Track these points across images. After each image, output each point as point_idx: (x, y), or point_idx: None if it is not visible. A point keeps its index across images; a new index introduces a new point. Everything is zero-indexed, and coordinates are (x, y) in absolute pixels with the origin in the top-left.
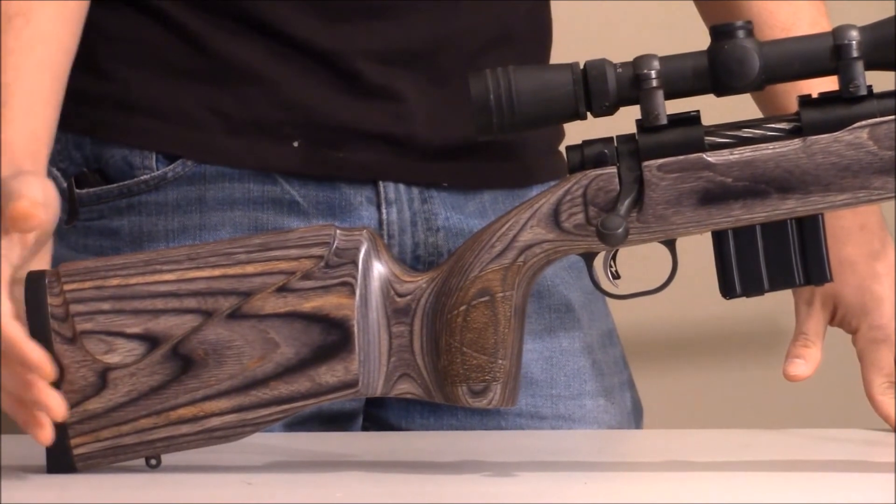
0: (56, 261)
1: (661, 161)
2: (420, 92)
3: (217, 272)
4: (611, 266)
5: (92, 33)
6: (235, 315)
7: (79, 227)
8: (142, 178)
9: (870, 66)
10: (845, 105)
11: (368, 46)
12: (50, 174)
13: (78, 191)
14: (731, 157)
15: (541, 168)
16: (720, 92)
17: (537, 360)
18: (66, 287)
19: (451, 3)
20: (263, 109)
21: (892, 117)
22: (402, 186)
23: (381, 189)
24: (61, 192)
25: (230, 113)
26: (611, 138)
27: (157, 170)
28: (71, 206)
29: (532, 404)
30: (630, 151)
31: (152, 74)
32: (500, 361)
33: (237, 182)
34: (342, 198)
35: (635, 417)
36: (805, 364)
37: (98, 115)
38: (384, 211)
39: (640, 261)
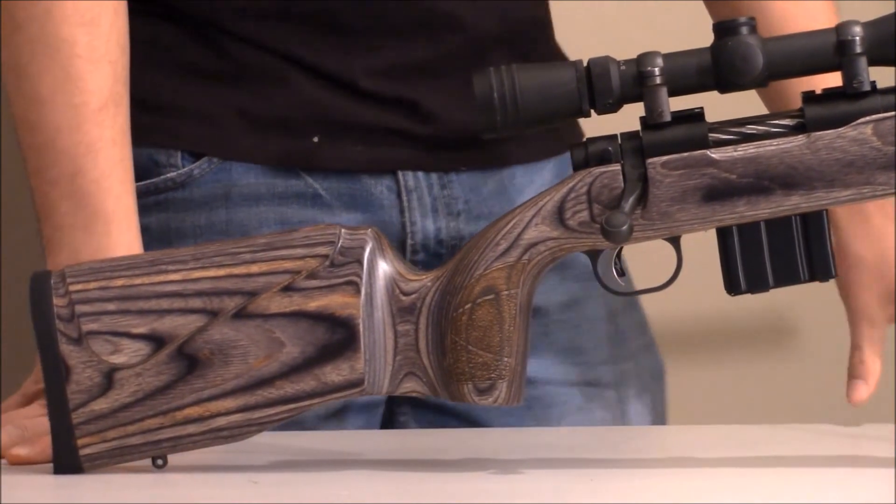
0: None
1: (665, 158)
2: (432, 90)
3: (222, 272)
4: (616, 263)
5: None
6: (241, 315)
7: None
8: (168, 175)
9: (873, 62)
10: (849, 101)
11: (373, 64)
12: None
13: None
14: (734, 153)
15: (559, 139)
16: (724, 89)
17: (565, 329)
18: (72, 287)
19: (451, 18)
20: (282, 108)
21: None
22: (420, 174)
23: (401, 178)
24: None
25: (251, 111)
26: (615, 135)
27: (183, 167)
28: None
29: (562, 371)
30: (634, 149)
31: (175, 76)
32: (506, 359)
33: (262, 178)
34: (363, 189)
35: (656, 378)
36: (866, 386)
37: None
38: (405, 199)
39: (644, 258)
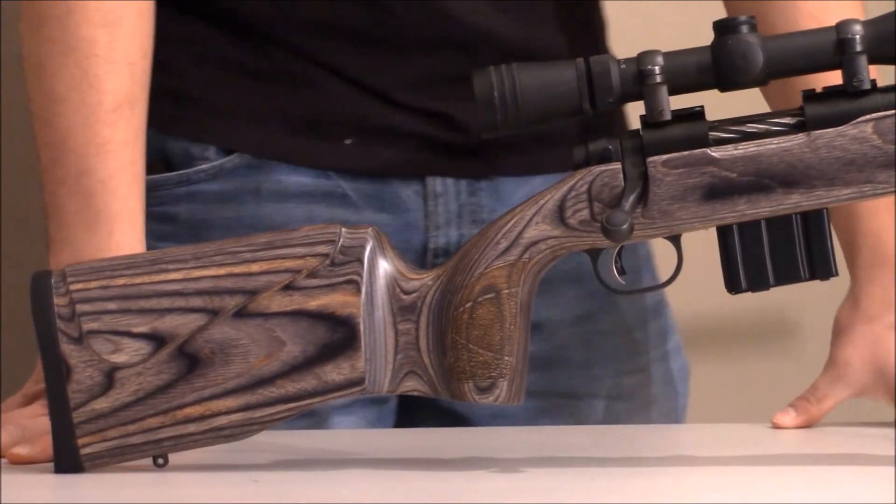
0: None
1: (665, 157)
2: (464, 101)
3: (223, 271)
4: (616, 262)
5: (161, 34)
6: (241, 314)
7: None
8: (200, 167)
9: (873, 61)
10: (849, 99)
11: (407, 77)
12: None
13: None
14: (735, 152)
15: None
16: (724, 87)
17: (576, 343)
18: (72, 287)
19: (483, 33)
20: (318, 110)
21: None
22: (449, 180)
23: (429, 183)
24: None
25: (287, 111)
26: (615, 134)
27: (216, 160)
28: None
29: (569, 385)
30: (634, 147)
31: (215, 73)
32: (507, 358)
33: (292, 175)
34: (391, 191)
35: (678, 385)
36: (793, 418)
37: (161, 108)
38: (431, 203)
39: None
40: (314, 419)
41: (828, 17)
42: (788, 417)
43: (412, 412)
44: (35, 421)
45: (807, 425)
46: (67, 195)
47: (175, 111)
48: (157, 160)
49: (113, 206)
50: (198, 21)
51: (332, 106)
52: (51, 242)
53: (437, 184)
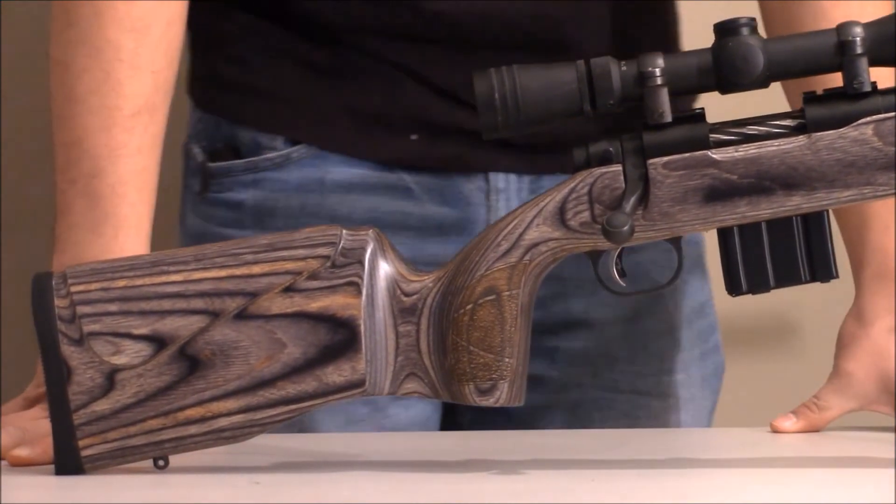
0: (188, 230)
1: (666, 159)
2: None
3: (223, 273)
4: (617, 263)
5: (236, 28)
6: (242, 315)
7: (209, 199)
8: (267, 155)
9: (874, 63)
10: (850, 101)
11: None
12: (191, 151)
13: (209, 164)
14: (736, 154)
15: None
16: (725, 89)
17: (621, 340)
18: (73, 289)
19: (553, 37)
20: (385, 105)
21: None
22: (512, 176)
23: (492, 178)
24: (198, 166)
25: (354, 106)
26: (616, 136)
27: (283, 150)
28: (203, 179)
29: (611, 378)
30: (635, 149)
31: (287, 69)
32: (507, 360)
33: (356, 168)
34: (453, 185)
35: (713, 382)
36: (793, 423)
37: (234, 100)
38: (493, 198)
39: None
40: (370, 407)
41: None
42: (789, 422)
43: (456, 407)
44: (36, 423)
45: (806, 431)
46: (77, 196)
47: (246, 103)
48: (227, 148)
49: (121, 211)
50: (272, 20)
51: (399, 102)
52: (57, 241)
53: (499, 179)
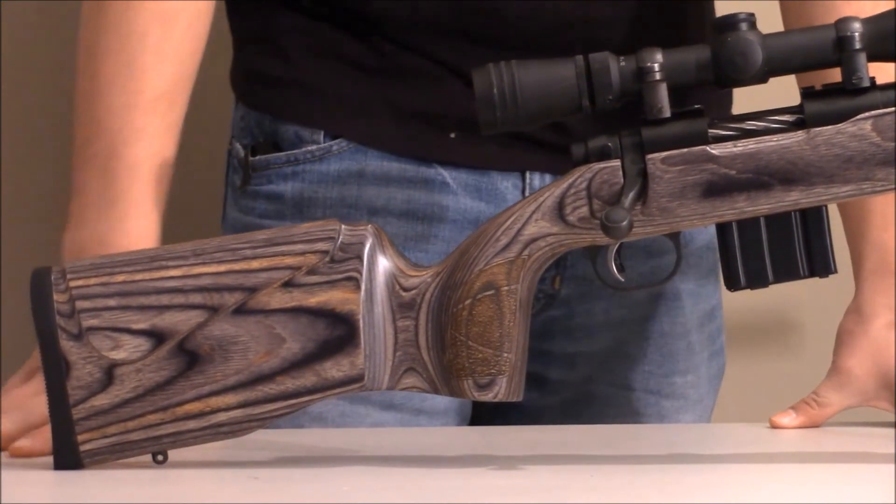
0: (228, 223)
1: (664, 154)
2: None
3: (222, 268)
4: (616, 259)
5: (281, 25)
6: (241, 310)
7: (249, 192)
8: (308, 148)
9: (872, 58)
10: (848, 97)
11: None
12: (233, 149)
13: (251, 157)
14: (734, 149)
15: None
16: (723, 84)
17: (637, 339)
18: (72, 284)
19: (590, 36)
20: (426, 103)
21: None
22: (547, 175)
23: (528, 177)
24: (240, 162)
25: (395, 103)
26: (615, 131)
27: (323, 143)
28: (244, 173)
29: (624, 376)
30: (634, 144)
31: (330, 65)
32: (506, 355)
33: (395, 161)
34: (490, 182)
35: (716, 383)
36: (792, 419)
37: (277, 95)
38: (528, 196)
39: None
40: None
41: None
42: (788, 418)
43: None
44: (36, 402)
45: (805, 427)
46: (93, 175)
47: (289, 98)
48: (268, 142)
49: (132, 192)
50: (317, 18)
51: (440, 100)
52: (69, 219)
53: (535, 178)
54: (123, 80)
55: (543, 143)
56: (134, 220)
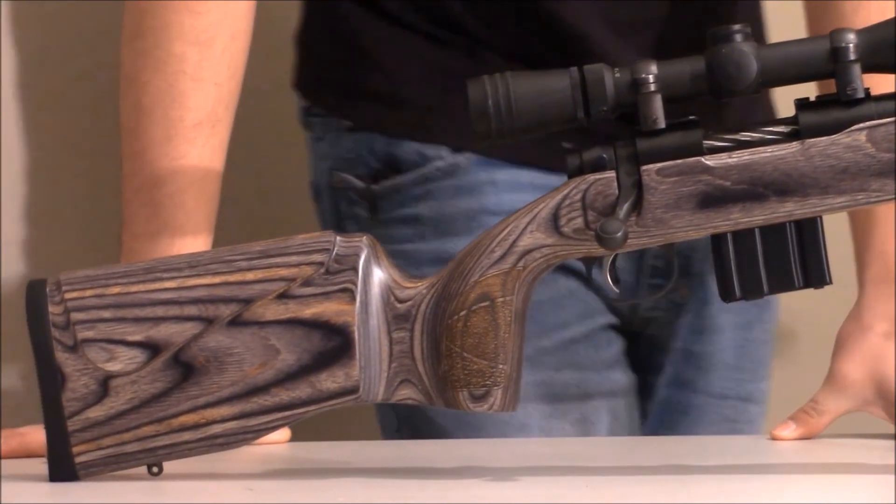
0: None
1: (659, 165)
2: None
3: (217, 279)
4: (611, 270)
5: (387, 45)
6: (236, 322)
7: (381, 221)
8: (436, 164)
9: (867, 69)
10: (843, 108)
11: None
12: (343, 181)
13: (374, 186)
14: (729, 160)
15: None
16: (718, 95)
17: (732, 347)
18: (67, 295)
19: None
20: None
21: (890, 119)
22: None
23: None
24: (361, 192)
25: None
26: (610, 143)
27: (450, 159)
28: (371, 204)
29: (721, 385)
30: (628, 155)
31: (443, 82)
32: (501, 366)
33: (524, 168)
34: None
35: None
36: (792, 430)
37: (389, 116)
38: None
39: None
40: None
41: None
42: (788, 430)
43: None
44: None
45: (806, 437)
46: (140, 205)
47: (404, 118)
48: (387, 167)
49: (177, 219)
50: (424, 36)
51: None
52: (122, 250)
53: None
54: (164, 108)
55: None
56: (180, 246)
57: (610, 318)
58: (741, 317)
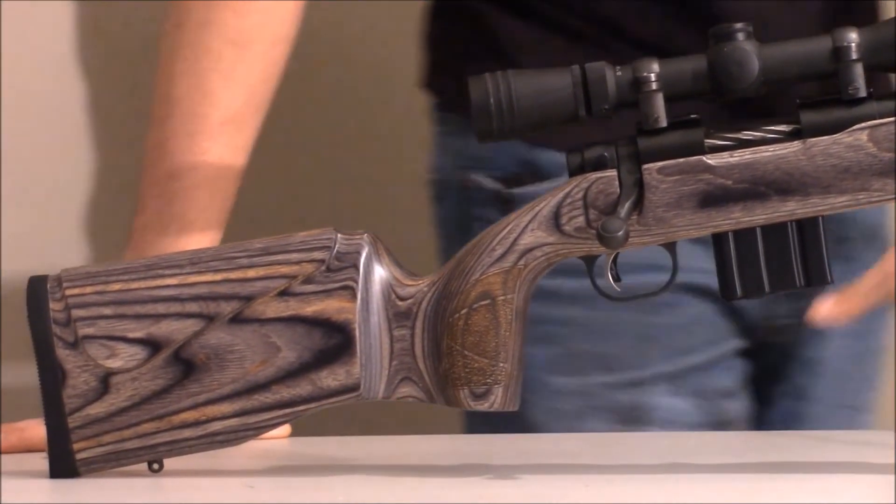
0: None
1: (661, 164)
2: None
3: (219, 276)
4: (612, 269)
5: (523, 48)
6: (237, 319)
7: None
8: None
9: (870, 68)
10: (845, 107)
11: None
12: (473, 180)
13: (512, 190)
14: (731, 159)
15: None
16: (720, 94)
17: (849, 356)
18: (68, 292)
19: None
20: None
21: (892, 119)
22: None
23: None
24: (492, 194)
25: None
26: (611, 141)
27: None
28: (503, 207)
29: (839, 396)
30: (630, 154)
31: None
32: (502, 364)
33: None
34: None
35: None
36: (832, 306)
37: None
38: None
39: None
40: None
41: None
42: (827, 306)
43: None
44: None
45: (843, 316)
46: (154, 196)
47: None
48: (527, 171)
49: (189, 214)
50: (554, 34)
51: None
52: (130, 238)
53: None
54: (192, 102)
55: None
56: (187, 241)
57: (738, 343)
58: (858, 325)
